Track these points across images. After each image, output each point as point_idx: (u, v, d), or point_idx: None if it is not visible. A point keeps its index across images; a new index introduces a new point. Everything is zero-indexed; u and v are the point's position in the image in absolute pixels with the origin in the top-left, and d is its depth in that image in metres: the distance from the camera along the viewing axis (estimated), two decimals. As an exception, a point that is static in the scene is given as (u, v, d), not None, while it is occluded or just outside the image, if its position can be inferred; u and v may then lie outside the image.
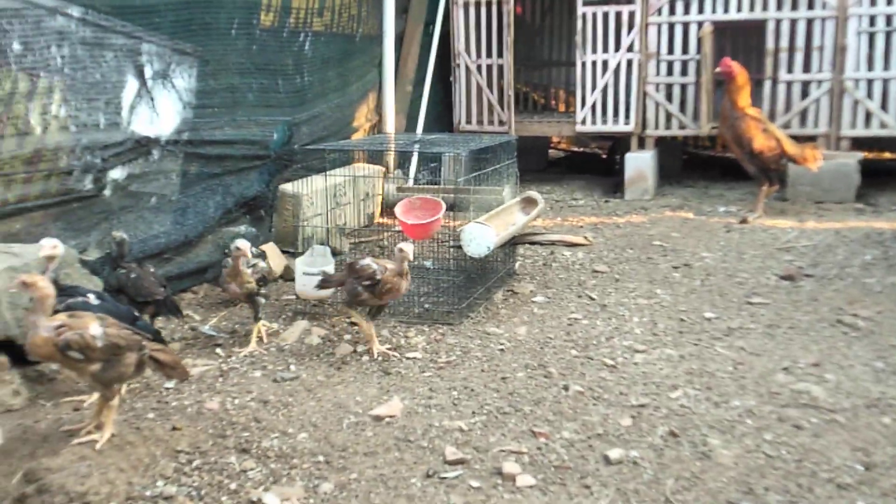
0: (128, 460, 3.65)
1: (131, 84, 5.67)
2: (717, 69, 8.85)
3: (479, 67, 10.74)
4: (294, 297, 6.10)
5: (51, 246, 4.29)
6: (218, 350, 5.23)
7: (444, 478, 3.61)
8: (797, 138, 9.04)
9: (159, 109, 5.93)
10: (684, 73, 10.04)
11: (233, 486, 3.55)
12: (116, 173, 5.64)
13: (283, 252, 6.95)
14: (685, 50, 10.00)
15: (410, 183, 9.22)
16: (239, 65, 6.81)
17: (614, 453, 3.74)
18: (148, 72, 5.80)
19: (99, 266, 5.33)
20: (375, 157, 8.85)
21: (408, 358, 5.09)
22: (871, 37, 9.42)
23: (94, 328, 3.66)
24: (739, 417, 4.14)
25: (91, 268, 5.16)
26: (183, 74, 6.09)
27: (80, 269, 4.90)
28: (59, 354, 3.60)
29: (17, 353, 4.55)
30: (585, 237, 8.08)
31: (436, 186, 7.46)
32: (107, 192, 5.59)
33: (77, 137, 5.30)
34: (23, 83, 4.92)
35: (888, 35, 9.37)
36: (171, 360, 3.99)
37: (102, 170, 5.51)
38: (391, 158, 9.14)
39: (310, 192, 7.07)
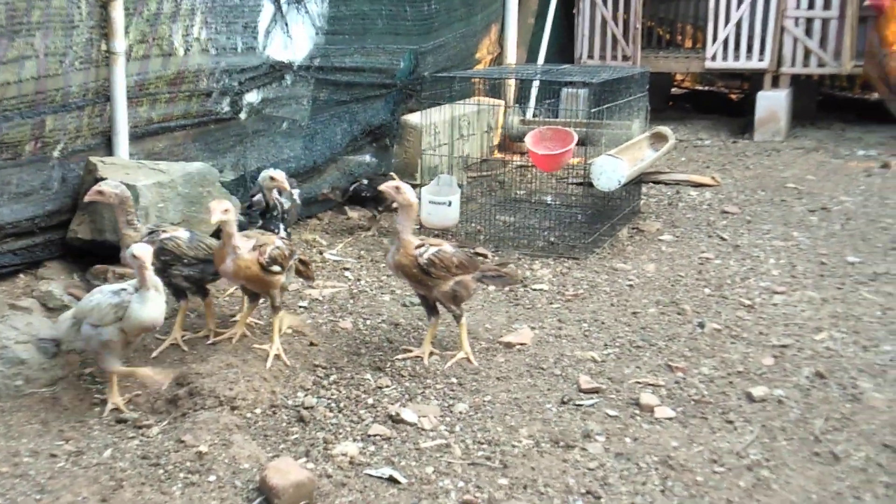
0: (270, 371, 3.78)
1: (267, 8, 5.71)
2: (867, 2, 8.27)
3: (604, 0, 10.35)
4: (418, 226, 6.11)
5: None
6: (347, 274, 5.32)
7: (580, 405, 3.57)
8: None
9: (293, 34, 5.97)
10: (827, 6, 9.39)
11: (370, 400, 3.62)
12: (252, 97, 5.74)
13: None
14: (829, -18, 9.36)
15: (529, 117, 9.04)
16: (369, -10, 6.76)
17: (758, 391, 3.62)
18: (283, -5, 5.83)
19: (233, 188, 5.48)
20: (494, 90, 8.70)
21: (534, 289, 5.05)
22: None
23: (277, 241, 3.93)
24: (891, 362, 3.94)
25: (227, 189, 5.30)
26: (316, -1, 6.10)
27: (221, 189, 5.03)
28: (262, 271, 3.81)
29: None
30: (713, 177, 7.79)
31: (563, 120, 7.29)
32: (242, 116, 5.70)
33: (216, 60, 5.40)
34: (167, 4, 5.01)
35: None
36: (309, 260, 4.38)
37: (239, 93, 5.61)
38: (511, 92, 8.97)
39: (431, 123, 7.02)
